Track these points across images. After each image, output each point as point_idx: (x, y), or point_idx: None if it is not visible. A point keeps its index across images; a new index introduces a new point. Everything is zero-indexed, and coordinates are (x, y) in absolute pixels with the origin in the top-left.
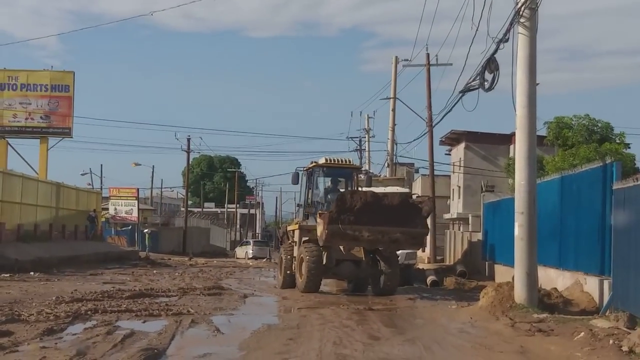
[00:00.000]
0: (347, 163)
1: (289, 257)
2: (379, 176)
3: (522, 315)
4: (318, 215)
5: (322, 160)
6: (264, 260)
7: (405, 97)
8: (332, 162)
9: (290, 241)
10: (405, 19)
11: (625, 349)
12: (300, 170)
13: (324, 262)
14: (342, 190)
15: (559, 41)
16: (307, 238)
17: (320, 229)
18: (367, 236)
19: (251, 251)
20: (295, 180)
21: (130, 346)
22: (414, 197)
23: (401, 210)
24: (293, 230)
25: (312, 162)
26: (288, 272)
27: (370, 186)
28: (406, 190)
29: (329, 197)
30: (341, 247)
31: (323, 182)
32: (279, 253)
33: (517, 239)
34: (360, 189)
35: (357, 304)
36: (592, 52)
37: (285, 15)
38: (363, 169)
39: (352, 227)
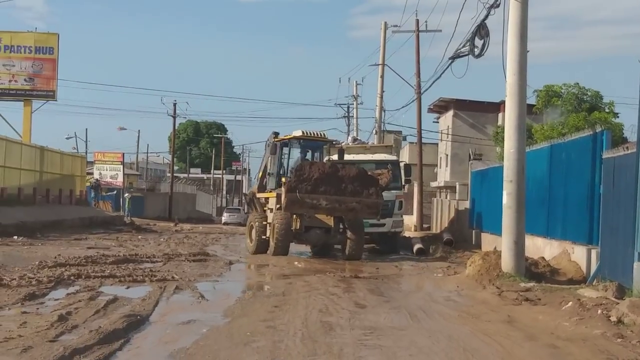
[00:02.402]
0: (322, 136)
1: (263, 223)
2: (367, 143)
3: (509, 284)
4: (282, 184)
5: (298, 133)
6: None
7: (394, 64)
8: (308, 134)
9: (262, 208)
10: None
11: (613, 319)
12: (278, 142)
13: (296, 228)
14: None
15: (548, 9)
16: (279, 205)
17: (283, 197)
18: (325, 205)
19: (223, 218)
20: (274, 150)
21: (112, 312)
22: (401, 164)
23: (358, 181)
24: (266, 198)
25: (286, 135)
26: (263, 237)
27: (342, 158)
28: (394, 157)
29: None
30: (305, 215)
31: (298, 153)
32: (248, 220)
33: (506, 208)
34: (330, 159)
35: (344, 271)
36: (582, 21)
37: None
38: (335, 141)
39: (309, 195)
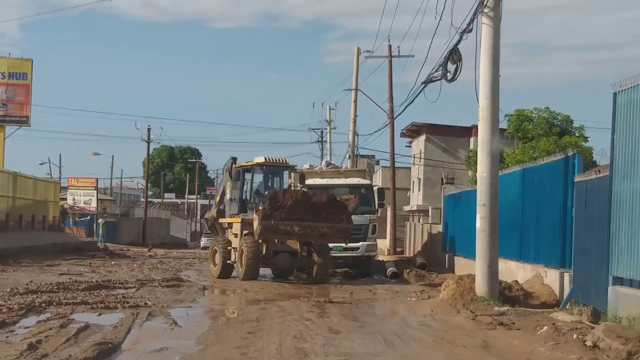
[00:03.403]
0: (283, 162)
1: (228, 248)
2: (340, 167)
3: (483, 308)
4: (255, 211)
5: (260, 159)
6: None
7: (367, 89)
8: (270, 160)
9: (226, 233)
10: (367, 12)
11: (589, 343)
12: (240, 168)
13: (263, 253)
14: (276, 187)
15: (518, 36)
16: (247, 231)
17: (255, 224)
18: (297, 230)
19: (202, 242)
20: (237, 177)
21: (84, 340)
22: (374, 188)
23: (328, 207)
24: (229, 223)
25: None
26: (228, 261)
27: (303, 183)
28: (367, 181)
29: (266, 192)
30: (276, 240)
31: (260, 179)
32: (210, 244)
33: (479, 231)
34: (293, 186)
35: (318, 296)
36: (550, 47)
37: (249, 6)
38: (296, 167)
39: (283, 222)
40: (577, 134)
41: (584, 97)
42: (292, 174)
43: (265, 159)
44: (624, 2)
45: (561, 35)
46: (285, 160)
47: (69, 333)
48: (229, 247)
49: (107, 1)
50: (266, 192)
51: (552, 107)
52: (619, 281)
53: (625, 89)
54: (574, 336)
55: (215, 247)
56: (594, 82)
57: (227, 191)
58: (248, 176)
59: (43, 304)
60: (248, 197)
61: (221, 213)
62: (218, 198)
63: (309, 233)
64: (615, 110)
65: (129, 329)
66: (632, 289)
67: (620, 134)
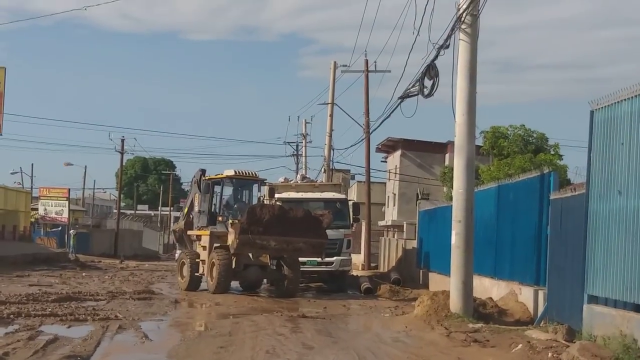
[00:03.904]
0: (253, 176)
1: (196, 260)
2: (315, 181)
3: (457, 325)
4: (230, 224)
5: (230, 172)
6: None
7: (344, 103)
8: (240, 174)
9: (194, 245)
10: (344, 27)
11: None
12: (208, 180)
13: (234, 266)
14: (245, 200)
15: (493, 53)
16: (218, 244)
17: (231, 238)
18: (273, 245)
19: (176, 255)
20: (207, 189)
21: (52, 353)
22: (349, 203)
23: (304, 222)
24: (198, 235)
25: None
26: (195, 274)
27: (272, 197)
28: (342, 196)
29: (236, 206)
30: (250, 254)
31: (230, 192)
32: (178, 256)
33: (454, 247)
34: (263, 199)
35: (291, 310)
36: (525, 65)
37: (226, 19)
38: (266, 180)
39: (260, 237)
40: (552, 152)
41: (558, 115)
42: (264, 188)
43: (235, 172)
44: (598, 22)
45: (536, 53)
46: (255, 173)
47: (37, 345)
48: (197, 260)
49: (82, 10)
50: (235, 206)
51: (527, 124)
52: (594, 300)
53: (602, 107)
54: (549, 354)
55: (183, 260)
56: (568, 101)
57: (196, 203)
58: (217, 189)
59: (11, 315)
60: (217, 210)
61: (189, 225)
62: (186, 210)
63: (285, 248)
64: (592, 128)
65: (99, 342)
66: (608, 307)
67: (597, 153)
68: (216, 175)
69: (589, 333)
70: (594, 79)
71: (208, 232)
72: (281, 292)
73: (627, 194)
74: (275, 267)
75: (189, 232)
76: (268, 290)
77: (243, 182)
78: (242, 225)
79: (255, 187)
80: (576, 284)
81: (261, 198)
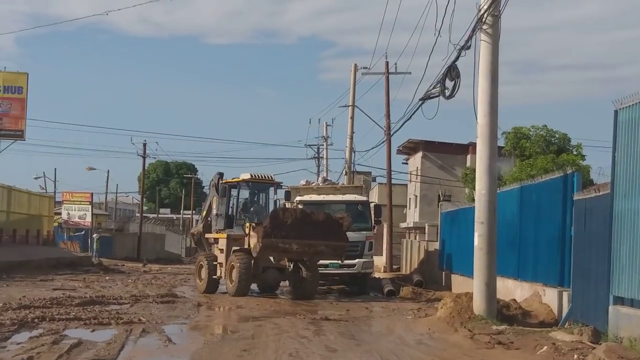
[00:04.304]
0: (269, 179)
1: (214, 263)
2: (337, 184)
3: (481, 327)
4: (252, 228)
5: (247, 176)
6: None
7: (364, 105)
8: (257, 177)
9: (210, 248)
10: (364, 29)
11: None
12: (225, 184)
13: (253, 269)
14: (262, 203)
15: (514, 54)
16: (237, 247)
17: (254, 241)
18: (295, 248)
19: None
20: (224, 193)
21: (76, 357)
22: (371, 205)
23: (325, 225)
24: (215, 238)
25: (233, 177)
26: (213, 277)
27: (289, 199)
28: (364, 198)
29: (252, 209)
30: (271, 257)
31: (247, 195)
32: (197, 259)
33: (477, 249)
34: (279, 202)
35: (313, 313)
36: (546, 66)
37: (245, 23)
38: (282, 183)
39: (283, 240)
40: (575, 152)
41: (579, 115)
42: (280, 191)
43: (251, 175)
44: (618, 23)
45: (557, 54)
46: (271, 176)
47: (61, 349)
48: (215, 262)
49: (104, 15)
50: (252, 209)
51: (549, 125)
52: (620, 301)
53: (626, 107)
54: (575, 356)
55: (201, 262)
56: (589, 101)
57: (214, 206)
58: (234, 192)
59: (36, 320)
60: (234, 213)
61: (207, 228)
62: (204, 213)
63: (306, 251)
64: (616, 128)
65: (123, 346)
66: (634, 309)
67: (622, 152)
68: (233, 178)
69: (615, 335)
70: (614, 79)
71: (225, 235)
72: (300, 294)
73: None
74: (292, 269)
75: (206, 235)
76: (286, 292)
77: (259, 185)
78: (266, 229)
79: (271, 190)
80: (601, 285)
81: (277, 202)
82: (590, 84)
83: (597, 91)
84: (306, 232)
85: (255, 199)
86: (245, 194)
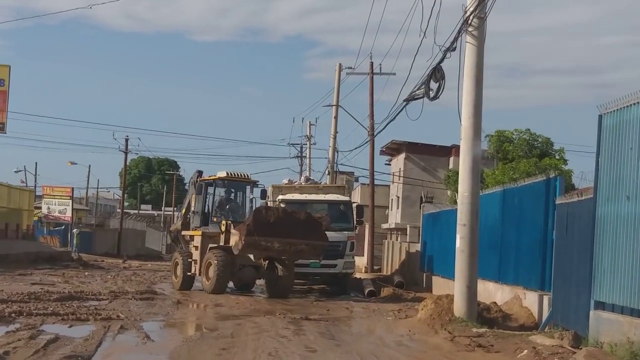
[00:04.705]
0: (245, 177)
1: (189, 260)
2: (319, 183)
3: (461, 329)
4: (228, 225)
5: (223, 174)
6: None
7: (348, 105)
8: (233, 175)
9: (187, 245)
10: (350, 29)
11: None
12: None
13: (231, 266)
14: (238, 201)
15: (497, 58)
16: (213, 244)
17: (235, 239)
18: (277, 247)
19: None
20: (200, 190)
21: (53, 352)
22: (353, 205)
23: (305, 225)
24: (191, 235)
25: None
26: (188, 274)
27: (264, 199)
28: (346, 198)
29: (228, 206)
30: (251, 255)
31: (223, 193)
32: (173, 256)
33: (459, 251)
34: (255, 201)
35: (294, 312)
36: (529, 70)
37: (231, 20)
38: (258, 182)
39: (265, 239)
40: (557, 157)
41: (563, 120)
42: (269, 189)
43: (228, 173)
44: (602, 28)
45: (540, 58)
46: (248, 175)
47: (38, 345)
48: (189, 260)
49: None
50: (227, 207)
51: (532, 129)
52: (601, 306)
53: (611, 112)
54: None
55: (176, 260)
56: (572, 106)
57: (192, 204)
58: (210, 190)
59: (13, 314)
60: (210, 211)
61: (185, 226)
62: (184, 210)
63: (287, 249)
64: (600, 132)
65: (100, 342)
66: (615, 314)
67: (605, 157)
68: (209, 176)
69: (596, 339)
70: (598, 85)
71: (200, 233)
72: (275, 292)
73: (635, 199)
74: (267, 267)
75: (183, 232)
76: (262, 290)
77: (236, 183)
78: (249, 227)
79: (247, 188)
80: (582, 290)
81: (254, 200)
82: (574, 89)
83: (580, 96)
84: (287, 231)
85: (232, 197)
86: (221, 191)
